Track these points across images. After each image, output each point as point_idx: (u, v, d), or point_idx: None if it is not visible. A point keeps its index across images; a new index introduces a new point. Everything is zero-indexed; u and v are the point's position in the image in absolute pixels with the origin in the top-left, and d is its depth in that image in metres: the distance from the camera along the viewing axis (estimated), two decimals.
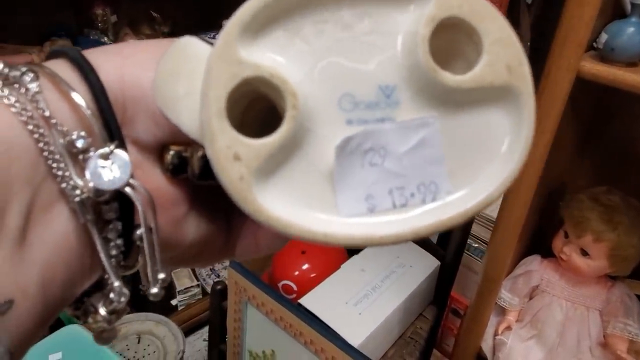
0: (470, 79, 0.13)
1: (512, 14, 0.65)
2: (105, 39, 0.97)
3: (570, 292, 0.68)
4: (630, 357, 0.62)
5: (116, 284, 0.16)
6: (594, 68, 0.50)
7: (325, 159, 0.13)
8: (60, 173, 0.14)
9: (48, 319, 0.15)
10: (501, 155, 0.14)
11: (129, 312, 0.17)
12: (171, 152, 0.16)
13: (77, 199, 0.14)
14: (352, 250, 1.01)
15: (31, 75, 0.14)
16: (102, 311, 0.16)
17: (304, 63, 0.13)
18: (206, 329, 1.15)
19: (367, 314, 0.80)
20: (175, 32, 1.01)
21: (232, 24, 0.13)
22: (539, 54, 0.73)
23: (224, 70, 0.13)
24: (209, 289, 1.12)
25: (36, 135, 0.14)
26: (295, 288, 0.89)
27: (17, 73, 0.14)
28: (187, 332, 1.13)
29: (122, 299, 0.16)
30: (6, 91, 0.14)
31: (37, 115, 0.14)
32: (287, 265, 0.92)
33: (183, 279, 1.14)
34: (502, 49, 0.14)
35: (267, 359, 0.84)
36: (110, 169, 0.14)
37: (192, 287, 1.13)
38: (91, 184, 0.14)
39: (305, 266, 0.91)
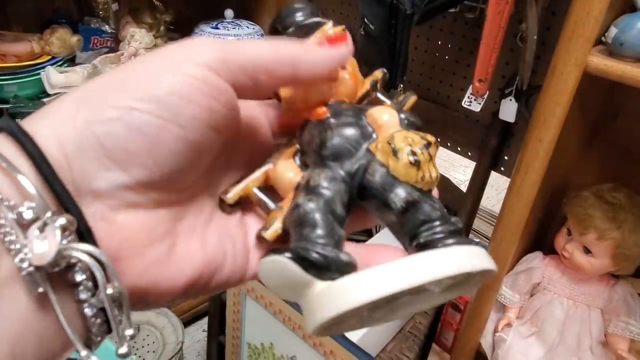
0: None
1: (519, 7, 0.64)
2: (107, 27, 0.96)
3: (572, 290, 0.68)
4: (632, 357, 0.62)
5: (83, 353, 0.16)
6: (602, 63, 0.48)
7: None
8: (13, 247, 0.14)
9: None
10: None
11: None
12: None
13: (24, 272, 0.14)
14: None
15: None
16: None
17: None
18: (205, 320, 1.15)
19: None
20: (177, 20, 0.99)
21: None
22: (545, 49, 0.71)
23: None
24: None
25: None
26: None
27: None
28: (186, 323, 1.14)
29: None
30: None
31: None
32: None
33: None
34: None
35: (265, 351, 0.84)
36: (42, 241, 0.14)
37: None
38: (29, 255, 0.14)
39: None
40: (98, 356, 0.16)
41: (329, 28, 0.22)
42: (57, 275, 0.15)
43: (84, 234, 0.15)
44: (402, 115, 0.22)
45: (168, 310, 0.97)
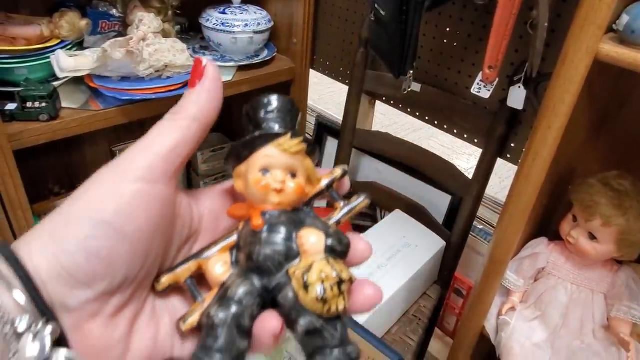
0: None
1: None
2: (114, 11, 0.96)
3: (576, 275, 0.69)
4: (633, 340, 0.63)
5: None
6: (613, 51, 0.49)
7: None
8: (12, 350, 0.18)
9: None
10: None
11: None
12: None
13: None
14: (358, 230, 1.02)
15: None
16: None
17: None
18: None
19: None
20: (185, 5, 0.99)
21: None
22: (555, 36, 0.72)
23: None
24: None
25: None
26: None
27: None
28: None
29: None
30: None
31: None
32: None
33: None
34: None
35: None
36: (34, 348, 0.18)
37: None
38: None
39: None
40: None
41: (285, 141, 0.24)
42: None
43: (61, 341, 0.19)
44: (329, 242, 0.23)
45: None
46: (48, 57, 0.82)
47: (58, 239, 0.20)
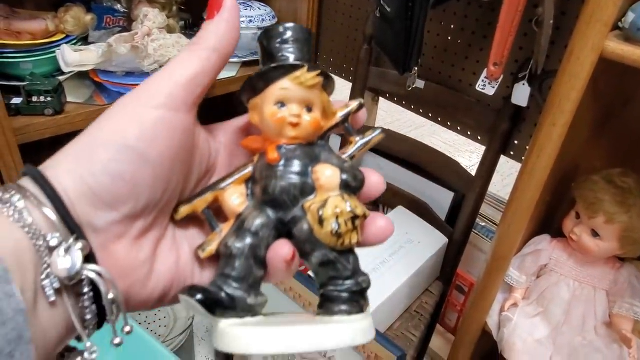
0: None
1: None
2: (119, 6, 0.96)
3: (579, 272, 0.69)
4: (635, 337, 0.63)
5: (88, 344, 0.21)
6: (618, 48, 0.49)
7: None
8: (45, 263, 0.19)
9: (51, 355, 0.21)
10: None
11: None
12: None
13: (54, 284, 0.20)
14: None
15: (18, 196, 0.20)
16: None
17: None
18: None
19: (375, 288, 0.80)
20: (189, 1, 0.99)
21: None
22: (560, 33, 0.72)
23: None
24: None
25: (30, 236, 0.19)
26: None
27: (8, 196, 0.20)
28: None
29: (94, 355, 0.21)
30: (6, 209, 0.19)
31: (27, 224, 0.19)
32: None
33: None
34: None
35: None
36: (66, 263, 0.19)
37: None
38: (54, 270, 0.20)
39: None
40: (100, 346, 0.22)
41: (302, 74, 0.23)
42: (69, 287, 0.20)
43: (90, 259, 0.20)
44: (344, 177, 0.23)
45: None
46: (53, 52, 0.83)
47: (84, 162, 0.21)
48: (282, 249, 0.22)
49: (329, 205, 0.22)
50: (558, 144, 0.56)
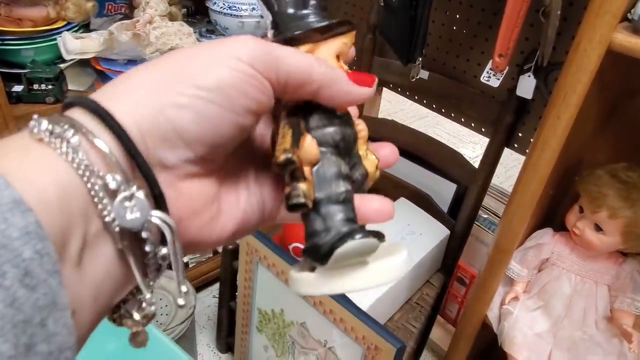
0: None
1: None
2: None
3: (581, 266, 0.69)
4: (636, 332, 0.63)
5: (147, 295, 0.20)
6: (626, 40, 0.48)
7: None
8: (102, 209, 0.17)
9: (98, 322, 0.19)
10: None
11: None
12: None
13: (116, 230, 0.18)
14: None
15: (72, 130, 0.17)
16: (137, 316, 0.20)
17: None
18: (215, 286, 1.18)
19: None
20: None
21: None
22: (567, 25, 0.70)
23: None
24: (218, 249, 1.14)
25: (85, 179, 0.17)
26: None
27: (60, 129, 0.17)
28: (197, 288, 1.16)
29: (152, 308, 0.20)
30: (57, 145, 0.17)
31: (81, 163, 0.17)
32: (298, 228, 0.93)
33: None
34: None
35: (275, 317, 0.86)
36: (131, 209, 0.18)
37: None
38: (120, 222, 0.18)
39: None
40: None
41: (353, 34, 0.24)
42: (130, 235, 0.18)
43: (158, 198, 0.19)
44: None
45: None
46: (54, 39, 0.82)
47: (166, 91, 0.19)
48: (377, 203, 0.23)
49: (369, 150, 0.25)
50: (562, 137, 0.56)
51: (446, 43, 0.89)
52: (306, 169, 0.23)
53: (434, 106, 0.98)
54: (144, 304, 0.20)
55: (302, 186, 0.22)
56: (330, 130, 0.23)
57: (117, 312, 0.20)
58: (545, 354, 0.68)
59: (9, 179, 0.15)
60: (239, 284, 0.90)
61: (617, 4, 0.47)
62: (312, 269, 0.22)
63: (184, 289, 0.20)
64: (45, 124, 0.17)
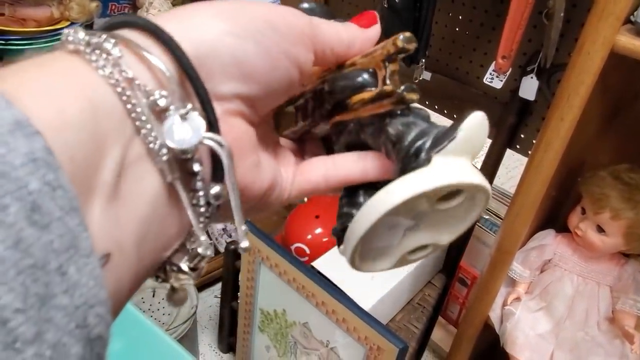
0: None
1: None
2: None
3: (583, 268, 0.69)
4: (637, 333, 0.63)
5: (202, 237, 0.17)
6: (630, 42, 0.48)
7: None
8: (146, 132, 0.15)
9: (143, 276, 0.16)
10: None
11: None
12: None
13: (164, 157, 0.15)
14: None
15: (112, 41, 0.15)
16: (185, 268, 0.17)
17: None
18: (217, 286, 1.18)
19: (379, 279, 0.81)
20: None
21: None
22: (570, 26, 0.71)
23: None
24: (221, 248, 1.14)
25: (124, 97, 0.15)
26: (307, 251, 0.90)
27: (98, 40, 0.15)
28: (199, 288, 1.17)
29: (209, 252, 0.17)
30: (93, 56, 0.15)
31: (121, 78, 0.15)
32: (301, 229, 0.93)
33: None
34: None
35: (278, 317, 0.87)
36: (184, 128, 0.15)
37: None
38: (168, 140, 0.15)
39: (318, 230, 0.92)
40: None
41: None
42: (180, 163, 0.16)
43: (213, 124, 0.17)
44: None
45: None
46: (58, 39, 0.82)
47: (230, 19, 0.17)
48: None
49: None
50: (565, 139, 0.56)
51: (449, 44, 0.90)
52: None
53: (436, 107, 0.98)
54: (199, 249, 0.17)
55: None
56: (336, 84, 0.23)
57: (160, 267, 0.18)
58: (547, 355, 0.69)
59: (13, 99, 0.12)
60: (241, 284, 0.90)
61: (621, 6, 0.47)
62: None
63: (243, 228, 0.18)
64: (82, 33, 0.15)
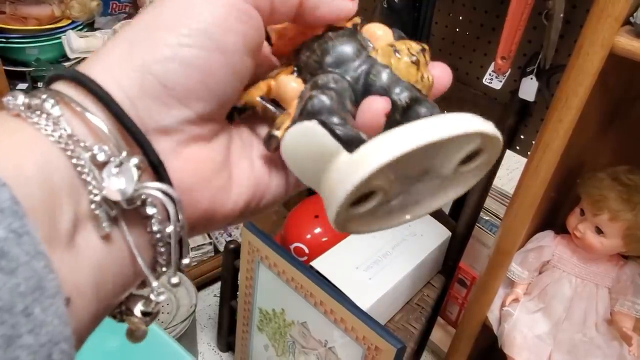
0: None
1: None
2: None
3: (581, 269, 0.69)
4: (636, 335, 0.63)
5: (154, 284, 0.17)
6: (629, 44, 0.48)
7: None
8: (91, 186, 0.16)
9: (102, 315, 0.17)
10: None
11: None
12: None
13: (100, 209, 0.16)
14: None
15: (51, 101, 0.16)
16: (138, 313, 0.18)
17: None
18: (216, 285, 1.19)
19: (377, 280, 0.81)
20: None
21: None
22: (570, 27, 0.71)
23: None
24: (220, 247, 1.14)
25: (68, 153, 0.15)
26: (306, 251, 0.90)
27: (38, 101, 0.16)
28: (198, 287, 1.17)
29: (161, 297, 0.18)
30: (35, 118, 0.15)
31: (63, 135, 0.15)
32: (300, 228, 0.93)
33: (196, 237, 1.16)
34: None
35: (276, 317, 0.87)
36: (118, 180, 0.16)
37: (204, 244, 1.15)
38: (105, 192, 0.16)
39: (318, 230, 0.92)
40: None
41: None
42: (131, 210, 0.16)
43: (158, 167, 0.17)
44: (396, 34, 0.22)
45: (182, 274, 1.00)
46: (59, 38, 0.82)
47: (147, 46, 0.17)
48: (375, 103, 0.19)
49: (396, 43, 0.21)
50: (564, 140, 0.56)
51: (449, 45, 0.90)
52: (293, 102, 0.21)
53: None
54: (152, 296, 0.18)
55: (280, 119, 0.20)
56: (318, 53, 0.21)
57: (117, 307, 0.18)
58: (545, 356, 0.69)
59: None
60: (240, 283, 0.91)
61: (620, 7, 0.47)
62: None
63: (185, 261, 0.18)
64: (21, 98, 0.16)
